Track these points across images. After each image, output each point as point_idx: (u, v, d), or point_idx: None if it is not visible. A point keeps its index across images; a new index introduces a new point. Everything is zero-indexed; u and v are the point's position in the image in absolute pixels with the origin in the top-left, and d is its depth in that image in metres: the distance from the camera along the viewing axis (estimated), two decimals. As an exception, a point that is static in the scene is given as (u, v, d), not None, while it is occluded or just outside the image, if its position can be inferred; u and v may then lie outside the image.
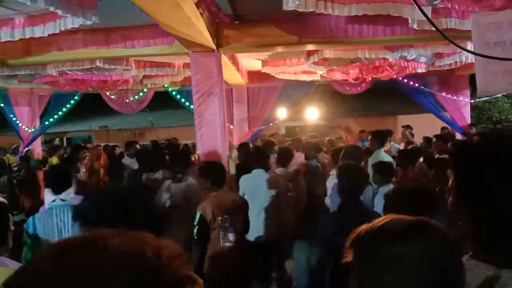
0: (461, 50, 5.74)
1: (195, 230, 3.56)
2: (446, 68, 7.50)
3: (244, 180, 4.68)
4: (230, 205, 3.67)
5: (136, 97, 10.15)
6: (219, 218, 3.57)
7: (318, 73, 8.08)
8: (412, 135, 9.10)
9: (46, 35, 4.01)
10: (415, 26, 3.97)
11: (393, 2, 3.66)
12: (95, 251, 0.55)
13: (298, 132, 14.64)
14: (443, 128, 9.79)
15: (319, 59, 6.42)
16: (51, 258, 0.54)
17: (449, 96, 9.17)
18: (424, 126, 10.34)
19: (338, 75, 8.07)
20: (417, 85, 9.08)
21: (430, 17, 3.53)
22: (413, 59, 6.60)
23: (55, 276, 0.52)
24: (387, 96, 14.42)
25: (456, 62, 6.90)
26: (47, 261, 0.54)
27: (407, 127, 9.32)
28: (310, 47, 5.70)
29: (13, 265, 1.90)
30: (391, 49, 5.94)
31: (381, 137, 5.65)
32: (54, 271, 0.53)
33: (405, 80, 8.85)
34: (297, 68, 7.74)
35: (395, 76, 8.00)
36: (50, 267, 0.53)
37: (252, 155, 5.23)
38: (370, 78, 8.37)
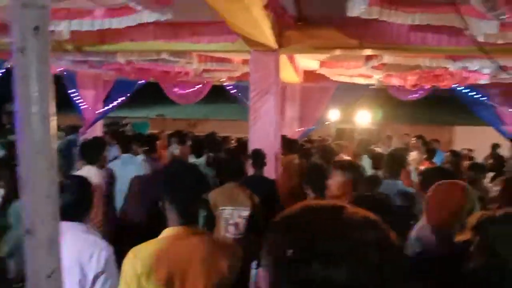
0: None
1: (204, 216, 3.77)
2: (511, 81, 7.23)
3: None
4: (235, 198, 3.79)
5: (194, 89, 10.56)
6: (220, 208, 3.75)
7: (375, 77, 8.03)
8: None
9: (123, 27, 4.32)
10: (481, 39, 3.93)
11: (458, 14, 3.64)
12: (344, 213, 0.73)
13: (348, 134, 14.54)
14: (494, 146, 9.42)
15: (378, 64, 6.41)
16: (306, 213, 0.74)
17: (512, 110, 8.81)
18: (483, 138, 9.99)
19: (395, 81, 7.99)
20: (477, 96, 8.79)
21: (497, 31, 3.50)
22: (475, 70, 6.44)
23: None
24: (445, 105, 13.98)
25: (522, 76, 6.64)
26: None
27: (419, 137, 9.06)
28: (370, 52, 5.71)
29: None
30: (453, 58, 5.83)
31: None
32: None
33: (465, 91, 8.60)
34: (354, 71, 7.73)
35: (454, 86, 7.82)
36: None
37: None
38: (428, 86, 8.23)
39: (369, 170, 5.68)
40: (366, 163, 5.87)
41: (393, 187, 3.98)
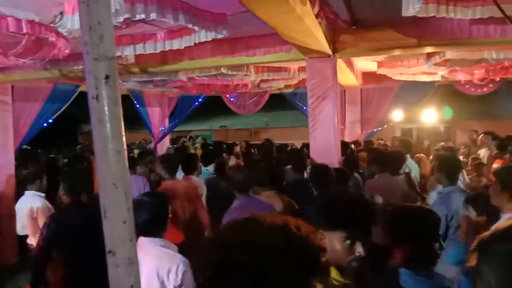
0: None
1: None
2: None
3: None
4: None
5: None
6: None
7: (439, 74, 7.72)
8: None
9: (182, 47, 4.55)
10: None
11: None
12: (254, 225, 0.78)
13: (414, 135, 14.02)
14: None
15: (440, 60, 6.16)
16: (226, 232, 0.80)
17: None
18: None
19: (461, 76, 7.63)
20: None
21: None
22: (550, 58, 5.99)
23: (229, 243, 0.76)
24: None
25: None
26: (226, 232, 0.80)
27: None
28: (430, 49, 5.52)
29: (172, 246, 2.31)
30: (522, 48, 5.48)
31: None
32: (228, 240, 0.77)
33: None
34: (416, 69, 7.49)
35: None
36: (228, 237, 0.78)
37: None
38: (498, 79, 7.78)
39: (415, 171, 5.47)
40: (409, 163, 5.64)
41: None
